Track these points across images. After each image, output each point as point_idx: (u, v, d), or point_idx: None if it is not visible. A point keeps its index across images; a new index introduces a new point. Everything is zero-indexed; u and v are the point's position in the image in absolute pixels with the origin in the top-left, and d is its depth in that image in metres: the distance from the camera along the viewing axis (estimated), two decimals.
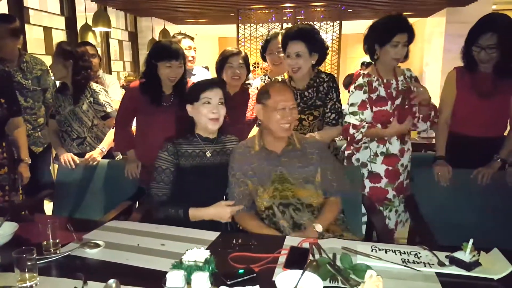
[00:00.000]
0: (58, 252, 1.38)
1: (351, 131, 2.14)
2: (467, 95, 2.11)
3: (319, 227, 1.61)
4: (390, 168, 2.19)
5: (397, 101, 2.14)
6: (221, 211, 1.68)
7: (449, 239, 1.81)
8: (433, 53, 7.53)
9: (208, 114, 1.78)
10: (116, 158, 2.76)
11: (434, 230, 1.86)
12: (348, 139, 2.20)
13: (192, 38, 3.10)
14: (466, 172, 2.10)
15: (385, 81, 2.17)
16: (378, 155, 2.19)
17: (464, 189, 2.09)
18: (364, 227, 2.13)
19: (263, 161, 1.77)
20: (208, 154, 1.83)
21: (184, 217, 1.69)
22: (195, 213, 1.69)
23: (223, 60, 2.43)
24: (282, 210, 1.72)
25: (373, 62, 2.23)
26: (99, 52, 3.46)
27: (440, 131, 2.20)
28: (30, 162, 2.38)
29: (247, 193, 1.78)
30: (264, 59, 2.75)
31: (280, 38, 2.55)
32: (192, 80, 2.55)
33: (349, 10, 7.12)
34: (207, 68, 8.45)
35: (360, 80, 2.17)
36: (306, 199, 1.73)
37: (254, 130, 2.33)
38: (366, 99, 2.14)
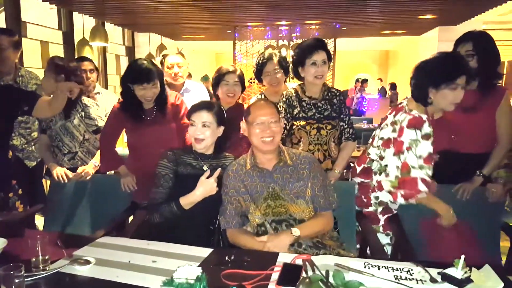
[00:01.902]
0: (47, 269, 1.36)
1: (421, 187, 1.84)
2: (452, 111, 2.13)
3: (295, 231, 1.64)
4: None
5: None
6: (206, 186, 1.74)
7: (432, 254, 1.82)
8: None
9: (193, 134, 1.87)
10: (107, 173, 2.74)
11: (418, 245, 1.86)
12: (406, 193, 1.88)
13: (182, 54, 3.10)
14: (450, 188, 2.11)
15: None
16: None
17: (448, 204, 2.09)
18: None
19: (256, 178, 1.78)
20: (205, 167, 1.88)
21: (178, 209, 1.74)
22: (186, 200, 1.75)
23: (219, 77, 2.47)
24: (275, 226, 1.72)
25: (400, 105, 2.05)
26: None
27: None
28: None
29: (239, 210, 1.78)
30: (259, 80, 2.77)
31: (275, 59, 2.59)
32: (187, 96, 2.55)
33: (343, 28, 7.25)
34: (206, 76, 8.37)
35: (427, 129, 1.87)
36: (298, 215, 1.73)
37: None
38: (432, 150, 1.88)
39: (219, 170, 1.79)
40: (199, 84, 3.27)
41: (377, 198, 2.15)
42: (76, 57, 3.50)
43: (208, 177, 1.75)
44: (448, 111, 1.96)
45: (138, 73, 2.20)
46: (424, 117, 1.88)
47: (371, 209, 2.17)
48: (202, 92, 3.16)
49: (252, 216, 1.76)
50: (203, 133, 1.84)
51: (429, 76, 1.88)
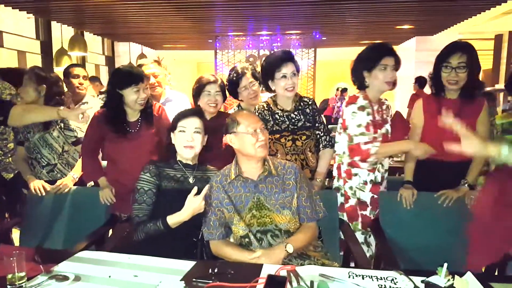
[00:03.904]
0: (24, 286, 1.31)
1: (364, 147, 2.09)
2: (433, 119, 2.17)
3: (290, 248, 1.62)
4: (375, 196, 2.21)
5: (386, 127, 2.22)
6: (194, 206, 1.69)
7: (416, 262, 1.83)
8: (404, 78, 7.82)
9: (182, 142, 1.84)
10: (88, 185, 2.68)
11: (401, 253, 1.88)
12: (359, 159, 2.12)
13: (159, 63, 3.03)
14: (432, 195, 2.14)
15: (376, 107, 2.21)
16: (368, 183, 2.21)
17: (430, 211, 2.12)
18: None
19: (240, 188, 1.77)
20: (190, 180, 1.86)
21: (164, 227, 1.70)
22: (174, 220, 1.71)
23: (200, 87, 2.44)
24: (259, 237, 1.71)
25: (351, 91, 2.31)
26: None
27: (409, 156, 2.25)
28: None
29: (222, 221, 1.76)
30: (233, 96, 2.72)
31: (249, 73, 2.57)
32: (169, 106, 2.52)
33: (323, 38, 7.36)
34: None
35: (362, 102, 2.15)
36: (283, 225, 1.72)
37: None
38: (370, 121, 2.15)
39: (207, 187, 1.74)
40: (181, 93, 3.21)
41: (351, 188, 2.23)
42: (69, 64, 3.44)
43: (196, 194, 1.71)
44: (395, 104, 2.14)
45: (130, 74, 2.17)
46: (359, 95, 2.17)
47: (351, 203, 2.23)
48: (184, 102, 3.10)
49: (236, 227, 1.74)
50: (194, 139, 1.83)
51: (362, 61, 2.16)
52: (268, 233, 1.71)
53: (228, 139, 1.82)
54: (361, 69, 2.17)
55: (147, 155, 2.11)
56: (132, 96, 2.17)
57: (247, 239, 1.72)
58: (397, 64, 2.15)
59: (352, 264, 1.98)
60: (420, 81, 6.77)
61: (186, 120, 1.85)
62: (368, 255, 2.15)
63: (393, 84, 2.15)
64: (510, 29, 6.97)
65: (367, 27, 6.53)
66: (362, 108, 2.14)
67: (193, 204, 1.70)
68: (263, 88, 2.48)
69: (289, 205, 1.74)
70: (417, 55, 7.42)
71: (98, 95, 3.80)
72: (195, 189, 1.71)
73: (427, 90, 6.85)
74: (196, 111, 1.93)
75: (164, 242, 1.73)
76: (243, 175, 1.78)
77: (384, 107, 2.28)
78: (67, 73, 3.17)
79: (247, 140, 1.73)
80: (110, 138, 2.27)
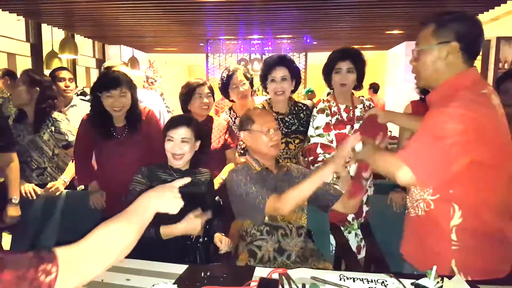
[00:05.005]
0: None
1: (319, 150, 2.21)
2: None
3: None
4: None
5: (356, 126, 2.27)
6: (191, 224, 1.68)
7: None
8: (394, 83, 7.90)
9: (170, 150, 1.85)
10: (78, 188, 2.66)
11: (391, 256, 1.91)
12: (311, 159, 2.24)
13: (127, 63, 3.01)
14: None
15: (344, 106, 2.31)
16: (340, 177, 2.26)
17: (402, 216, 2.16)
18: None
19: (264, 181, 1.79)
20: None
21: (156, 236, 1.69)
22: (166, 230, 1.69)
23: (191, 91, 2.44)
24: (267, 230, 1.74)
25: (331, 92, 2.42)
26: None
27: None
28: (17, 201, 2.23)
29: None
30: (225, 95, 2.78)
31: (239, 72, 2.63)
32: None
33: (314, 43, 7.40)
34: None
35: (321, 105, 2.32)
36: (295, 222, 1.77)
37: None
38: (330, 121, 2.27)
39: (208, 214, 1.71)
40: (152, 92, 3.17)
41: None
42: (54, 68, 3.36)
43: (189, 197, 1.70)
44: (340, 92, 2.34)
45: (105, 79, 2.16)
46: (323, 98, 2.36)
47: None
48: (155, 100, 3.02)
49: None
50: (181, 148, 1.83)
51: (325, 66, 2.33)
52: (279, 229, 1.74)
53: (241, 136, 1.86)
54: (327, 73, 2.33)
55: (135, 161, 2.08)
56: (106, 101, 2.13)
57: (258, 232, 1.75)
58: (356, 67, 2.25)
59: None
60: (374, 87, 7.46)
61: (173, 130, 1.84)
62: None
63: (356, 86, 2.31)
64: (498, 34, 7.11)
65: (358, 32, 6.60)
66: (321, 110, 2.31)
67: (191, 224, 1.67)
68: (256, 91, 2.53)
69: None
70: (406, 60, 7.51)
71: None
72: (198, 212, 1.68)
73: (381, 94, 6.96)
74: (184, 120, 1.91)
75: (157, 245, 1.72)
76: (268, 168, 1.82)
77: (360, 106, 2.35)
78: (53, 76, 3.07)
79: (261, 139, 1.77)
80: (98, 142, 2.25)
